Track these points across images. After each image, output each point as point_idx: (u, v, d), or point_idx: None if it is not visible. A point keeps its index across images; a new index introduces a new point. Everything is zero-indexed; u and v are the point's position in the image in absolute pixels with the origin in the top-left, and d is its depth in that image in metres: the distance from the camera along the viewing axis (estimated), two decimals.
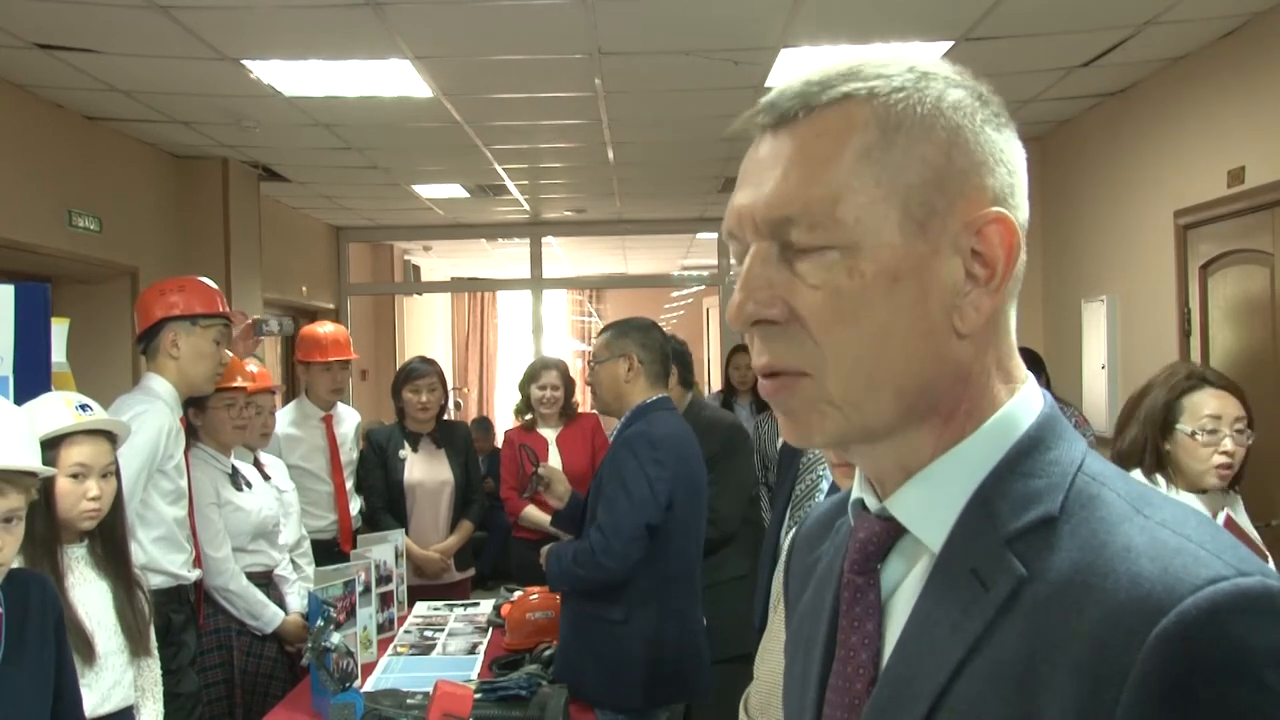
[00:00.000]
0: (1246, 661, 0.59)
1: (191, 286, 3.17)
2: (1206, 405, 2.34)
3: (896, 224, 0.71)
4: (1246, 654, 0.59)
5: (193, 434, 3.34)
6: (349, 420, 4.43)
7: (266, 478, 3.66)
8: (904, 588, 0.76)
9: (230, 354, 3.32)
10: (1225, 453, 2.32)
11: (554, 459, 4.39)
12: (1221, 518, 2.34)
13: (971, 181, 0.72)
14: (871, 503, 0.78)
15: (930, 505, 0.74)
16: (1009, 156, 0.75)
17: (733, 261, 0.78)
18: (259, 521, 3.43)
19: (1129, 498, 0.69)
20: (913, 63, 0.75)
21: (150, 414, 2.94)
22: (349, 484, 4.29)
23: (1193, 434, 2.33)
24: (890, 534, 0.77)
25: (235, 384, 3.41)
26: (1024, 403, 0.75)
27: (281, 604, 3.47)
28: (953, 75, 0.76)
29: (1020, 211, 0.75)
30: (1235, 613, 0.60)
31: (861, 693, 0.76)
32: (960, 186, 0.72)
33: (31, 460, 1.87)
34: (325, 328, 4.50)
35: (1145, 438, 2.40)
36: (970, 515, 0.72)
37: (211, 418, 3.39)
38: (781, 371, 0.74)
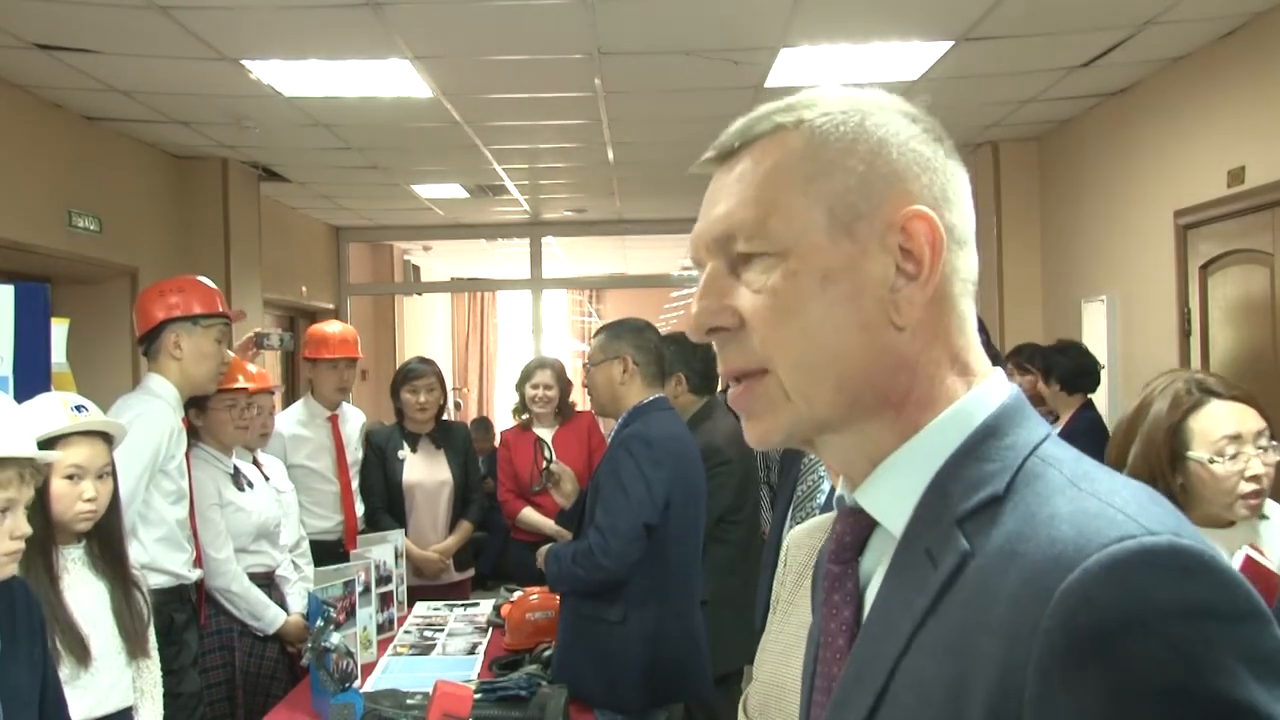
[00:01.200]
0: (1147, 615, 0.59)
1: (191, 287, 3.17)
2: (1221, 424, 1.90)
3: (823, 228, 0.77)
4: (1147, 607, 0.60)
5: (194, 434, 3.33)
6: (354, 420, 4.41)
7: (265, 478, 3.66)
8: (877, 575, 0.80)
9: (231, 354, 3.32)
10: (1254, 477, 1.88)
11: None
12: (1240, 557, 1.86)
13: (896, 186, 0.78)
14: (850, 497, 0.83)
15: (892, 494, 0.78)
16: (939, 166, 0.80)
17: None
18: (261, 522, 3.42)
19: (1071, 475, 0.71)
20: (848, 94, 0.82)
21: (152, 414, 2.94)
22: (354, 484, 4.29)
23: (1210, 461, 1.88)
24: (863, 525, 0.81)
25: (237, 384, 3.41)
26: (983, 395, 0.78)
27: (283, 604, 3.47)
28: (884, 103, 0.81)
29: (954, 215, 0.79)
30: (1137, 568, 0.61)
31: (837, 676, 0.80)
32: (884, 191, 0.77)
33: (26, 448, 1.86)
34: (333, 326, 4.49)
35: (1150, 475, 1.89)
36: (927, 500, 0.76)
37: (213, 418, 3.38)
38: (743, 373, 0.80)
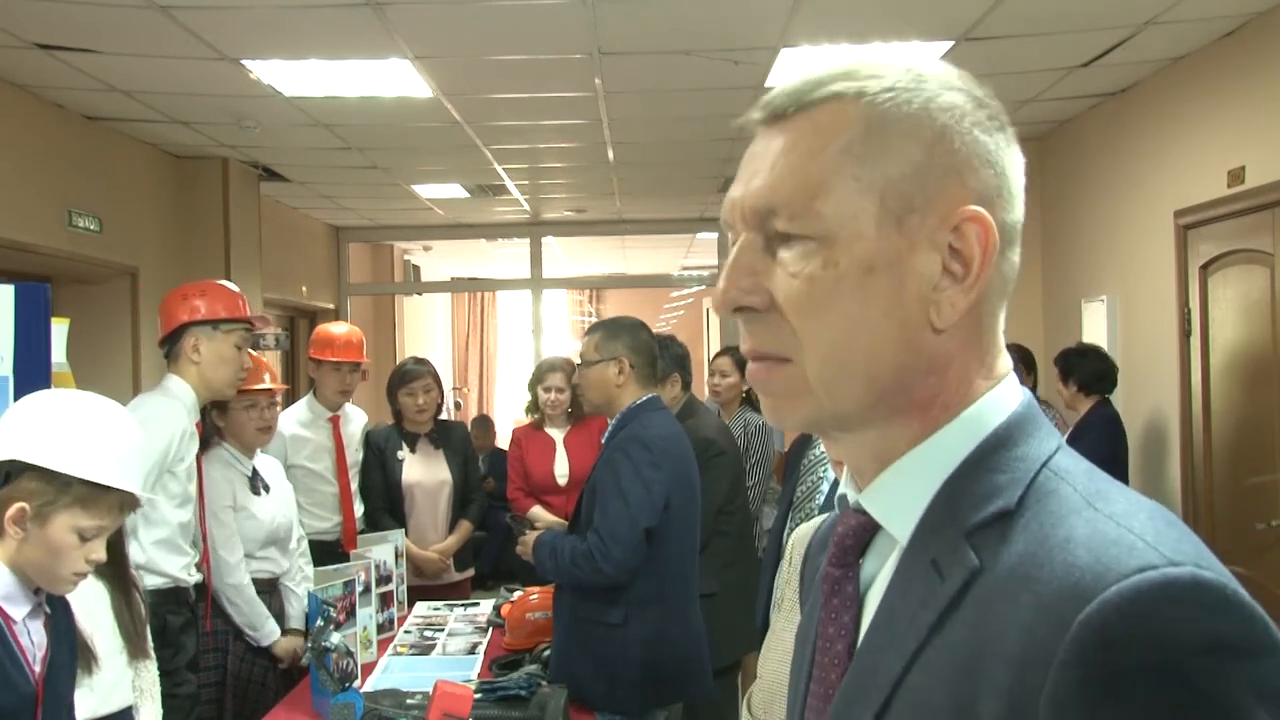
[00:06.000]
0: (1167, 651, 0.58)
1: (214, 291, 3.17)
2: None
3: (873, 218, 0.73)
4: (1167, 644, 0.58)
5: (217, 432, 3.33)
6: (357, 420, 4.39)
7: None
8: (879, 580, 0.78)
9: (251, 358, 3.31)
10: None
11: (560, 460, 4.38)
12: None
13: (953, 179, 0.74)
14: (853, 497, 0.80)
15: (900, 499, 0.75)
16: (998, 159, 0.76)
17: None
18: (272, 529, 3.41)
19: (1085, 492, 0.69)
20: (911, 65, 0.76)
21: (165, 415, 2.95)
22: (354, 485, 4.27)
23: None
24: (867, 528, 0.79)
25: (261, 385, 3.41)
26: (998, 399, 0.76)
27: (284, 610, 3.45)
28: (950, 79, 0.76)
29: (1009, 213, 0.76)
30: (1159, 602, 0.59)
31: (835, 683, 0.78)
32: (941, 183, 0.73)
33: (134, 482, 1.92)
34: (339, 328, 4.46)
35: None
36: (935, 509, 0.73)
37: (233, 419, 3.38)
38: (765, 356, 0.77)
